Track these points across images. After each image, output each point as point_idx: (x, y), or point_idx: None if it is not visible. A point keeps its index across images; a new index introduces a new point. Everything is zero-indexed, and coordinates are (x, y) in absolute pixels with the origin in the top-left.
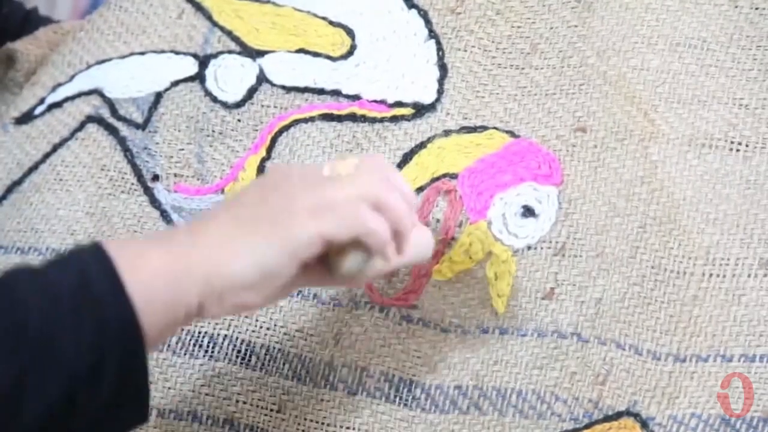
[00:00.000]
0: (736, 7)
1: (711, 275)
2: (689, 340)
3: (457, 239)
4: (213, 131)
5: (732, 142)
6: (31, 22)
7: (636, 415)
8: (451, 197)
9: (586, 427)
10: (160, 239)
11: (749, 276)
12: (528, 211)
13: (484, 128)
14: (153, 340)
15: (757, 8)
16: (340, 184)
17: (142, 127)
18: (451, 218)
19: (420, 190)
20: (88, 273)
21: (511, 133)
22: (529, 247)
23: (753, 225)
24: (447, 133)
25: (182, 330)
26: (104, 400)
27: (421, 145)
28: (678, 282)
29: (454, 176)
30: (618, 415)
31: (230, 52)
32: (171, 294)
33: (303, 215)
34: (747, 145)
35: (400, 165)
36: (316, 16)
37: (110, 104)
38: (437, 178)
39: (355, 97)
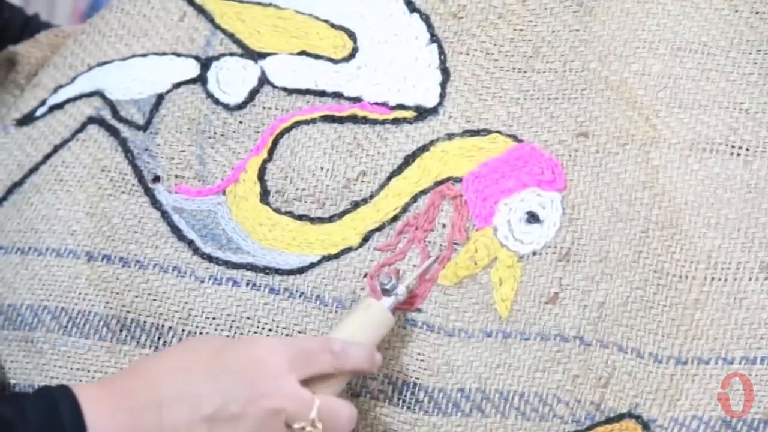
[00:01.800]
0: (737, 11)
1: (713, 279)
2: (691, 342)
3: (463, 245)
4: (214, 133)
5: (733, 147)
6: (32, 27)
7: (637, 417)
8: (457, 203)
9: (588, 429)
10: (128, 412)
11: (750, 279)
12: (532, 217)
13: (488, 132)
14: None
15: (757, 12)
16: None
17: (144, 128)
18: (457, 224)
19: (423, 193)
20: None
21: (515, 138)
22: (534, 253)
23: (754, 229)
24: (450, 136)
25: (183, 331)
26: None
27: (424, 148)
28: (680, 286)
29: (457, 180)
30: (620, 417)
31: (232, 54)
32: None
33: None
34: (748, 150)
35: (401, 167)
36: (318, 18)
37: (111, 106)
38: (441, 182)
39: (357, 100)
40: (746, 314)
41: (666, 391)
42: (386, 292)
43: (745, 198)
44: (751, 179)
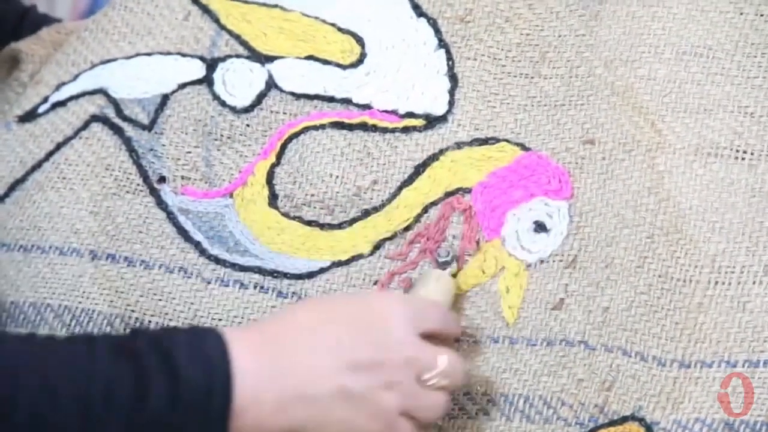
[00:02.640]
0: (741, 14)
1: (716, 283)
2: (694, 346)
3: (473, 255)
4: (221, 135)
5: (737, 151)
6: (29, 19)
7: (640, 420)
8: (467, 215)
9: (591, 431)
10: (275, 373)
11: (754, 283)
12: (540, 227)
13: (496, 140)
14: None
15: (762, 15)
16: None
17: (148, 128)
18: (468, 235)
19: (433, 204)
20: (213, 389)
21: (522, 146)
22: (541, 261)
23: (758, 233)
24: (459, 145)
25: None
26: None
27: (434, 158)
28: (684, 290)
29: (466, 190)
30: (623, 420)
31: (238, 56)
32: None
33: None
34: (752, 154)
35: (412, 177)
36: (324, 21)
37: (115, 104)
38: (450, 192)
39: (366, 107)
40: (750, 317)
41: (669, 394)
42: (443, 266)
43: (750, 202)
44: (755, 183)
